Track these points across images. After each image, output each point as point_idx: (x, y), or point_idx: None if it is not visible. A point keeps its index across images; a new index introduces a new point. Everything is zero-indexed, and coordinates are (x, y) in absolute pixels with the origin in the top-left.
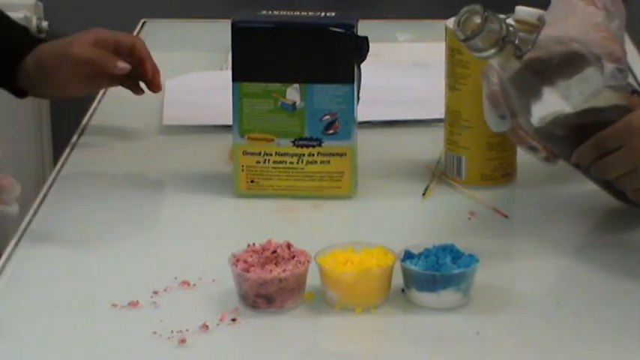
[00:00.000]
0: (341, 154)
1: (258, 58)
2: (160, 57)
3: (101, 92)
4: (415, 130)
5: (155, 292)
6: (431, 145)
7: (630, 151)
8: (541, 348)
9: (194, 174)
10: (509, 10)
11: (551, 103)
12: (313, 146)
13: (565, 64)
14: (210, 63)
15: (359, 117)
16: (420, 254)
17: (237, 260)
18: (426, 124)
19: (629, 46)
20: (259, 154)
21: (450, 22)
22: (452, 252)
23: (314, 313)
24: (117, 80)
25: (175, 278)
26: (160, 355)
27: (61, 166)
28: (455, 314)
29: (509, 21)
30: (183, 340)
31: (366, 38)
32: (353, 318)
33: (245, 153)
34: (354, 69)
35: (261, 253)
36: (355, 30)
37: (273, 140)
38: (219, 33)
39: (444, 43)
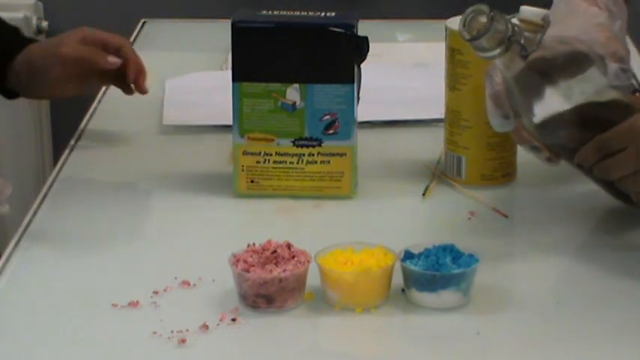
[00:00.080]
0: (341, 154)
1: (258, 58)
2: (160, 57)
3: (101, 92)
4: (415, 130)
5: (155, 292)
6: (431, 145)
7: (634, 153)
8: (541, 348)
9: (194, 174)
10: (513, 10)
11: (554, 103)
12: (313, 146)
13: (569, 64)
14: (210, 63)
15: (359, 117)
16: (420, 254)
17: (237, 260)
18: (426, 124)
19: (630, 47)
20: (259, 154)
21: (450, 22)
22: (452, 252)
23: (314, 313)
24: (107, 79)
25: (175, 278)
26: (160, 355)
27: (61, 166)
28: (455, 314)
29: (514, 21)
30: (183, 340)
31: (366, 38)
32: (353, 318)
33: (245, 153)
34: (354, 69)
35: (261, 253)
36: (355, 30)
37: (273, 140)
38: (219, 33)
39: (444, 43)
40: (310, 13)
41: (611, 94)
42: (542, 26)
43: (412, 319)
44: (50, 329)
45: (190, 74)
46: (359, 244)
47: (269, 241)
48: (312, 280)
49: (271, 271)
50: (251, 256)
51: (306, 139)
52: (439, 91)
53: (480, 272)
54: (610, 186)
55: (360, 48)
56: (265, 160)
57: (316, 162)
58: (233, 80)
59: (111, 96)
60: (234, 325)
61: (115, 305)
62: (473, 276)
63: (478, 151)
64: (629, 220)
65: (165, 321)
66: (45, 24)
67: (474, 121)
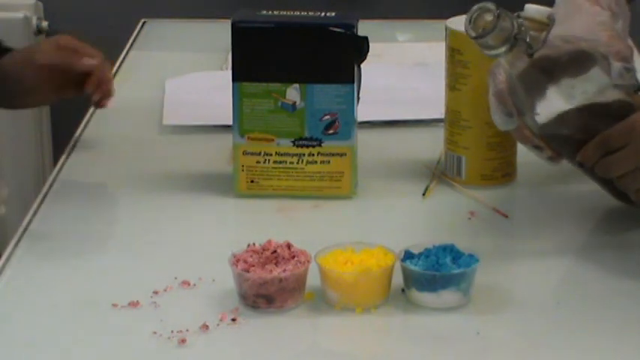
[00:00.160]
0: (341, 154)
1: (258, 58)
2: (160, 57)
3: None
4: (415, 130)
5: (155, 292)
6: (431, 145)
7: (634, 151)
8: (541, 348)
9: (194, 174)
10: (518, 9)
11: (557, 103)
12: (313, 146)
13: (572, 63)
14: (210, 63)
15: (359, 117)
16: (420, 254)
17: (237, 260)
18: (426, 124)
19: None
20: (259, 154)
21: (450, 22)
22: (452, 252)
23: (314, 313)
24: (83, 88)
25: (175, 278)
26: (160, 355)
27: (61, 166)
28: (455, 314)
29: (519, 19)
30: (183, 340)
31: (366, 38)
32: (353, 318)
33: (245, 153)
34: (354, 69)
35: (261, 253)
36: (355, 30)
37: (273, 140)
38: (219, 33)
39: (444, 43)
40: (310, 13)
41: (614, 94)
42: (548, 24)
43: (412, 319)
44: (50, 329)
45: (190, 74)
46: (359, 244)
47: (269, 241)
48: (312, 280)
49: (271, 271)
50: (251, 256)
51: (306, 139)
52: (439, 91)
53: (480, 272)
54: (611, 185)
55: (360, 48)
56: (265, 160)
57: (316, 162)
58: (233, 80)
59: None
60: (234, 325)
61: (115, 305)
62: (473, 276)
63: (478, 151)
64: (629, 220)
65: (165, 321)
66: (45, 24)
67: (473, 121)
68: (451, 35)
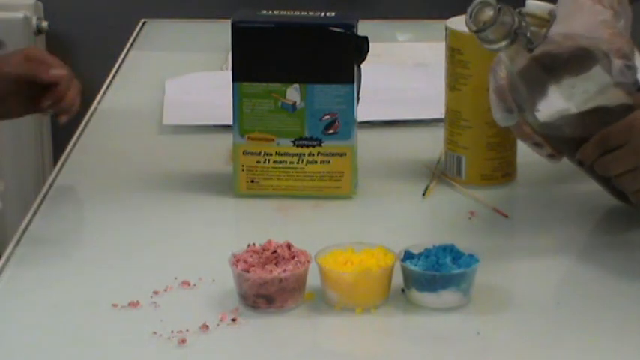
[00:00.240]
0: (341, 154)
1: (258, 58)
2: (160, 57)
3: (101, 93)
4: (415, 130)
5: (155, 292)
6: (431, 145)
7: (633, 149)
8: (541, 348)
9: (194, 174)
10: (519, 5)
11: (557, 101)
12: (313, 146)
13: (574, 61)
14: (210, 63)
15: (359, 117)
16: (420, 254)
17: (237, 260)
18: (426, 124)
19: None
20: (259, 154)
21: (450, 22)
22: (452, 252)
23: (314, 313)
24: (60, 99)
25: (175, 278)
26: (160, 355)
27: (61, 166)
28: (455, 314)
29: (521, 14)
30: (183, 340)
31: (366, 38)
32: (353, 318)
33: (245, 153)
34: (354, 69)
35: (261, 253)
36: (355, 30)
37: (273, 140)
38: (219, 33)
39: (444, 43)
40: (310, 13)
41: (615, 94)
42: (548, 20)
43: (412, 319)
44: (50, 329)
45: (190, 74)
46: (359, 244)
47: (269, 241)
48: (312, 280)
49: (271, 271)
50: (251, 256)
51: (306, 139)
52: (439, 91)
53: (480, 272)
54: (610, 185)
55: (360, 48)
56: (265, 160)
57: (316, 162)
58: (233, 80)
59: (111, 95)
60: (234, 325)
61: (115, 305)
62: (473, 276)
63: (478, 151)
64: (629, 219)
65: (165, 321)
66: (45, 24)
67: (474, 121)
68: (451, 35)
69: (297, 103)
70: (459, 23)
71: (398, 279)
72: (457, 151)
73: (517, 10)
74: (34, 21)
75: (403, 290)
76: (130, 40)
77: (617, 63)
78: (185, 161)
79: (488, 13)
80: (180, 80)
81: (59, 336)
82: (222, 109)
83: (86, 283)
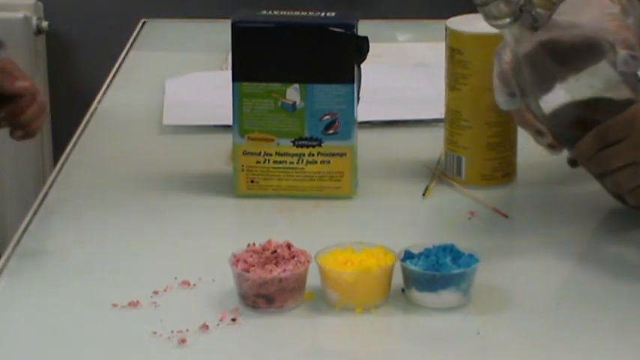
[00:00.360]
0: (341, 154)
1: (258, 58)
2: (160, 57)
3: (101, 92)
4: (415, 130)
5: (155, 292)
6: (431, 145)
7: (632, 144)
8: (541, 348)
9: (194, 174)
10: None
11: (561, 93)
12: (313, 146)
13: (580, 51)
14: (210, 63)
15: (359, 117)
16: (420, 254)
17: (237, 260)
18: (426, 124)
19: None
20: (259, 154)
21: (450, 22)
22: (452, 252)
23: (314, 313)
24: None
25: (175, 278)
26: (160, 355)
27: (61, 166)
28: (455, 314)
29: None
30: (183, 340)
31: (366, 38)
32: (353, 318)
33: (245, 153)
34: (354, 69)
35: (261, 253)
36: (355, 30)
37: (273, 140)
38: (219, 33)
39: (444, 43)
40: (310, 13)
41: (621, 90)
42: (554, 3)
43: (412, 319)
44: (50, 329)
45: (190, 74)
46: (359, 244)
47: (269, 241)
48: (312, 280)
49: (271, 271)
50: (251, 256)
51: (306, 139)
52: (439, 91)
53: (480, 272)
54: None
55: (360, 48)
56: (265, 160)
57: (316, 162)
58: (233, 80)
59: (111, 95)
60: (234, 325)
61: (115, 305)
62: (473, 276)
63: (478, 151)
64: (629, 220)
65: (165, 321)
66: (45, 24)
67: (473, 121)
68: (451, 35)
69: (297, 103)
70: (459, 23)
71: (398, 279)
72: (457, 151)
73: None
74: (34, 21)
75: (403, 290)
76: (130, 40)
77: (623, 53)
78: (185, 161)
79: None
80: (180, 80)
81: (59, 336)
82: (222, 109)
83: (86, 283)
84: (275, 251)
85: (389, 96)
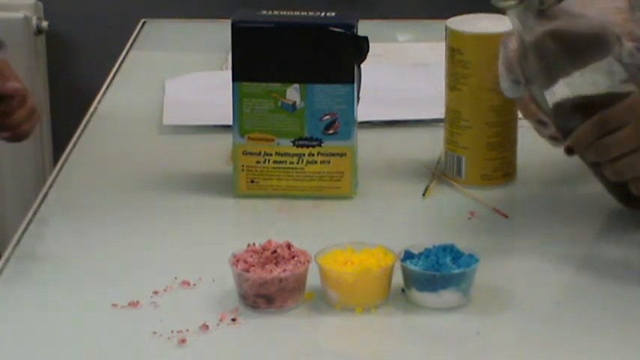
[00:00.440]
0: (341, 154)
1: (258, 58)
2: (160, 57)
3: (101, 92)
4: (415, 130)
5: (155, 292)
6: (431, 145)
7: (634, 131)
8: (541, 348)
9: (194, 174)
10: None
11: (565, 86)
12: (313, 146)
13: (587, 42)
14: (210, 63)
15: (359, 117)
16: (420, 254)
17: (237, 260)
18: (426, 124)
19: None
20: (259, 154)
21: (450, 22)
22: (452, 252)
23: (314, 313)
24: (7, 113)
25: (175, 278)
26: (160, 355)
27: (61, 166)
28: (455, 314)
29: None
30: (183, 340)
31: (366, 38)
32: (353, 318)
33: (245, 153)
34: (354, 69)
35: (261, 253)
36: (355, 30)
37: (273, 140)
38: (219, 33)
39: (444, 43)
40: (310, 13)
41: (625, 88)
42: None
43: (412, 319)
44: (50, 329)
45: (190, 74)
46: (359, 244)
47: (269, 241)
48: (312, 280)
49: (271, 271)
50: (251, 256)
51: (306, 139)
52: (439, 91)
53: (480, 272)
54: (607, 178)
55: (360, 48)
56: (265, 160)
57: (316, 162)
58: (233, 80)
59: (111, 95)
60: (234, 325)
61: (115, 305)
62: (473, 276)
63: (478, 151)
64: (629, 219)
65: (165, 321)
66: (45, 24)
67: (473, 121)
68: (451, 35)
69: (297, 103)
70: (459, 23)
71: (398, 279)
72: (457, 151)
73: None
74: (34, 21)
75: (403, 290)
76: (130, 40)
77: (629, 45)
78: (185, 161)
79: None
80: (180, 80)
81: (59, 336)
82: (222, 109)
83: (86, 283)
84: (275, 251)
85: (389, 96)
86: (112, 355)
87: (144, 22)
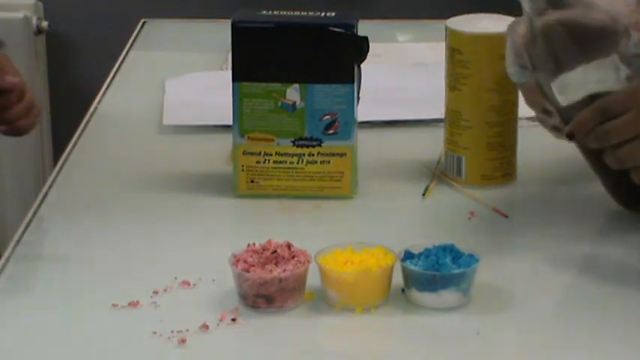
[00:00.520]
0: (341, 154)
1: (258, 58)
2: (160, 57)
3: (101, 92)
4: (415, 130)
5: (155, 292)
6: (431, 145)
7: (634, 117)
8: (541, 348)
9: (194, 174)
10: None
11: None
12: (313, 146)
13: (597, 35)
14: (210, 63)
15: (359, 117)
16: (420, 254)
17: (237, 260)
18: (426, 124)
19: None
20: (259, 154)
21: (450, 22)
22: (452, 252)
23: (314, 313)
24: (5, 107)
25: (175, 278)
26: (160, 355)
27: (61, 166)
28: (455, 314)
29: None
30: (183, 340)
31: (366, 38)
32: (353, 318)
33: (245, 153)
34: (354, 69)
35: (261, 253)
36: (355, 30)
37: (273, 140)
38: (219, 33)
39: (444, 43)
40: (310, 13)
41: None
42: None
43: (412, 319)
44: (50, 329)
45: (190, 74)
46: (359, 244)
47: (269, 241)
48: (312, 280)
49: (271, 271)
50: (251, 256)
51: (306, 139)
52: (439, 91)
53: (480, 272)
54: (604, 173)
55: (360, 48)
56: (265, 160)
57: (316, 162)
58: (233, 80)
59: (111, 95)
60: (234, 325)
61: (115, 305)
62: (473, 276)
63: (478, 151)
64: (629, 219)
65: (165, 321)
66: (45, 24)
67: (473, 121)
68: (451, 35)
69: (297, 103)
70: (459, 23)
71: (398, 279)
72: (457, 151)
73: None
74: (34, 21)
75: (403, 290)
76: (130, 40)
77: (636, 35)
78: (185, 161)
79: None
80: (180, 80)
81: (59, 336)
82: (222, 109)
83: (86, 283)
84: (275, 251)
85: (389, 96)
86: (112, 355)
87: (144, 22)
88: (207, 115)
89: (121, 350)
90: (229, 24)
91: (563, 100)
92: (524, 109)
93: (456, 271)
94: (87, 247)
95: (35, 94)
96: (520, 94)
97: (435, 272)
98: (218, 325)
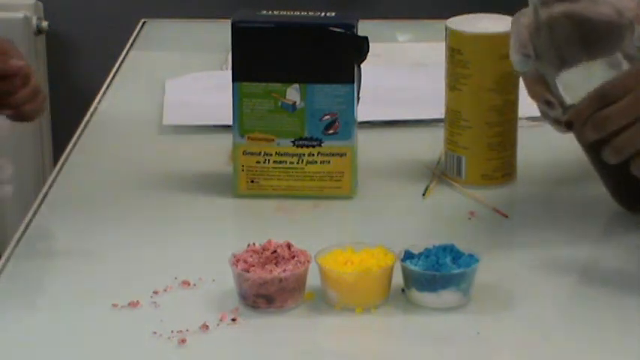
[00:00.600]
0: (341, 154)
1: (258, 58)
2: (160, 57)
3: (101, 92)
4: (415, 130)
5: (155, 292)
6: (431, 145)
7: (633, 100)
8: (541, 348)
9: (194, 174)
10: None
11: (573, 77)
12: (313, 146)
13: (603, 31)
14: (210, 63)
15: (359, 117)
16: (420, 254)
17: (237, 260)
18: (426, 124)
19: None
20: (259, 154)
21: (450, 22)
22: (452, 252)
23: (314, 313)
24: (10, 91)
25: (175, 278)
26: (160, 355)
27: (61, 166)
28: (455, 314)
29: None
30: (183, 340)
31: (366, 38)
32: (353, 318)
33: (245, 153)
34: (354, 69)
35: (261, 253)
36: (355, 30)
37: (273, 140)
38: (219, 33)
39: (444, 43)
40: (310, 13)
41: None
42: None
43: (412, 319)
44: (50, 329)
45: (190, 74)
46: (359, 244)
47: (269, 241)
48: (312, 280)
49: (271, 271)
50: (251, 256)
51: (306, 139)
52: (439, 91)
53: (480, 272)
54: (605, 172)
55: (360, 48)
56: (265, 160)
57: (316, 162)
58: (233, 80)
59: (111, 95)
60: (234, 325)
61: (115, 305)
62: (473, 276)
63: (478, 151)
64: (629, 219)
65: (165, 321)
66: (45, 24)
67: (473, 121)
68: (451, 35)
69: (297, 103)
70: (459, 23)
71: (398, 279)
72: (457, 151)
73: None
74: (34, 21)
75: (403, 290)
76: (130, 40)
77: (639, 29)
78: (185, 161)
79: None
80: (180, 80)
81: (59, 336)
82: (222, 109)
83: (86, 283)
84: (275, 251)
85: (389, 96)
86: (112, 355)
87: (144, 22)
88: (207, 115)
89: (121, 350)
90: (229, 24)
91: (568, 98)
92: (524, 109)
93: (456, 271)
94: (87, 247)
95: None
96: (520, 94)
97: (435, 272)
98: (218, 325)
